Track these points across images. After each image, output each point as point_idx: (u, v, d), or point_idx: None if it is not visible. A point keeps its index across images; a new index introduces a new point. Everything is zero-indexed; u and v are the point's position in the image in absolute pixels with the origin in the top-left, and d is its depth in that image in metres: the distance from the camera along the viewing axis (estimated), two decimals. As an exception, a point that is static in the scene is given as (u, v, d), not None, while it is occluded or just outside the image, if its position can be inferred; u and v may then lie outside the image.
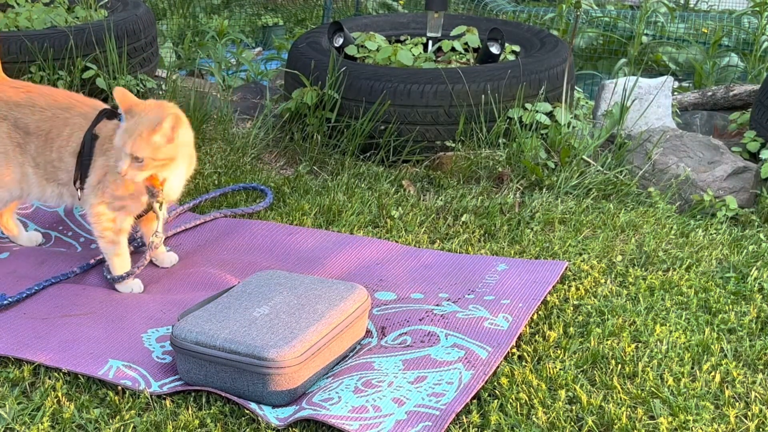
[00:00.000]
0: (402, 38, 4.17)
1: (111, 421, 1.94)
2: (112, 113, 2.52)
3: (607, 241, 2.84)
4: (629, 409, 1.98)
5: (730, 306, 2.45)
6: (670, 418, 1.95)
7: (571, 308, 2.42)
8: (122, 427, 1.92)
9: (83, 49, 4.16)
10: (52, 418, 1.95)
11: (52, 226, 2.92)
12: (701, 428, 1.93)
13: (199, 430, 1.92)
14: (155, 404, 1.99)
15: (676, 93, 4.66)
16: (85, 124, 2.51)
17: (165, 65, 5.22)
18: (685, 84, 5.54)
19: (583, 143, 3.42)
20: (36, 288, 2.47)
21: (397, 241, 2.84)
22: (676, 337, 2.27)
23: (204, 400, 2.02)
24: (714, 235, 2.92)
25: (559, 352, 2.21)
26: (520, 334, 2.29)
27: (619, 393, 2.04)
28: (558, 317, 2.38)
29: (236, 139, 3.63)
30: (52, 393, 2.01)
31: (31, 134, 2.55)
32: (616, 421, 1.94)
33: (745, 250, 2.80)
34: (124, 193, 2.47)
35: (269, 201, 3.09)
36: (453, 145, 3.48)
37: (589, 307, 2.42)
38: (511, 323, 2.31)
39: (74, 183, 2.51)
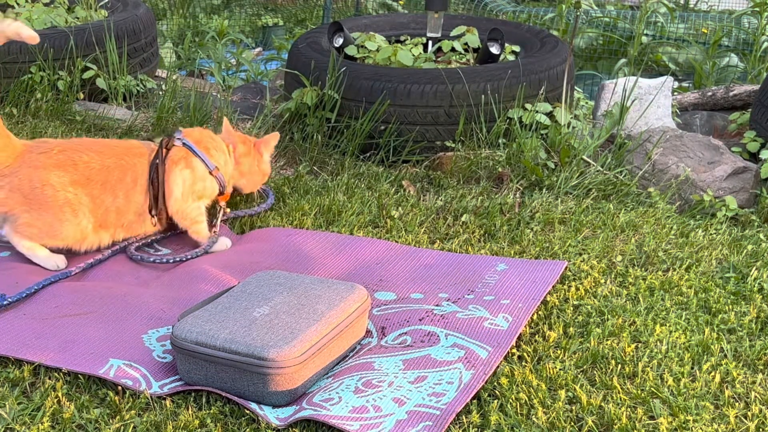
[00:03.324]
0: (402, 38, 4.17)
1: (111, 421, 1.94)
2: (169, 143, 2.80)
3: (607, 241, 2.84)
4: (629, 409, 1.98)
5: (730, 306, 2.45)
6: (670, 418, 1.95)
7: (571, 308, 2.42)
8: (122, 427, 1.92)
9: (83, 49, 4.16)
10: (52, 418, 1.95)
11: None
12: (701, 428, 1.93)
13: (199, 430, 1.92)
14: (155, 404, 1.99)
15: (676, 93, 4.67)
16: (144, 162, 2.75)
17: (165, 65, 5.22)
18: (685, 84, 5.55)
19: (583, 143, 3.42)
20: (36, 288, 2.47)
21: (397, 241, 2.84)
22: (676, 337, 2.27)
23: (204, 400, 2.02)
24: (714, 235, 2.92)
25: (559, 352, 2.21)
26: (520, 334, 2.29)
27: (619, 393, 2.04)
28: (558, 317, 2.38)
29: (236, 139, 3.62)
30: (52, 393, 2.01)
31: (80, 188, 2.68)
32: (616, 421, 1.94)
33: (745, 250, 2.80)
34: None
35: (271, 202, 3.08)
36: (453, 145, 3.48)
37: (589, 307, 2.42)
38: (511, 323, 2.31)
39: (150, 211, 2.75)
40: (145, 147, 2.80)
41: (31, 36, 2.57)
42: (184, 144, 2.79)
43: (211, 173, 2.81)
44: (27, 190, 2.63)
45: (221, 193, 2.88)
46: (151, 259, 2.71)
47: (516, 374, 2.09)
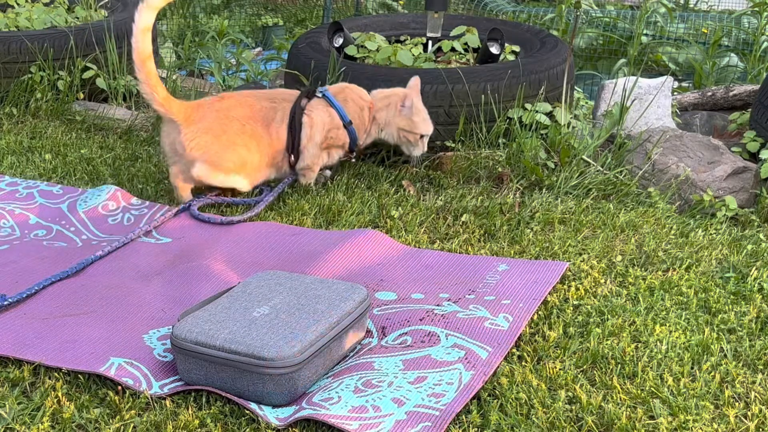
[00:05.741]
0: (402, 38, 4.17)
1: (111, 421, 1.94)
2: (311, 93, 3.14)
3: (607, 241, 2.84)
4: (629, 409, 1.98)
5: (730, 306, 2.46)
6: (670, 418, 1.95)
7: (571, 308, 2.42)
8: (122, 427, 1.92)
9: (83, 49, 4.16)
10: (52, 418, 1.95)
11: (55, 220, 2.93)
12: (701, 428, 1.93)
13: (199, 430, 1.92)
14: (155, 404, 1.99)
15: (675, 93, 4.67)
16: (288, 105, 3.08)
17: (165, 65, 5.22)
18: (685, 84, 5.55)
19: (583, 143, 3.42)
20: (36, 288, 2.47)
21: (396, 241, 2.84)
22: (676, 337, 2.27)
23: (204, 400, 2.02)
24: (714, 235, 2.92)
25: (558, 352, 2.21)
26: (520, 334, 2.29)
27: (619, 393, 2.04)
28: (558, 317, 2.38)
29: (236, 139, 3.62)
30: (52, 393, 2.01)
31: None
32: (616, 421, 1.94)
33: (745, 250, 2.80)
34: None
35: (267, 199, 3.11)
36: (453, 145, 3.48)
37: (589, 307, 2.42)
38: (511, 323, 2.31)
39: (288, 150, 3.07)
40: (296, 94, 3.12)
41: None
42: (323, 95, 3.11)
43: (345, 126, 3.12)
44: (218, 129, 2.96)
45: (352, 149, 3.20)
46: (218, 220, 2.91)
47: (516, 374, 2.09)
